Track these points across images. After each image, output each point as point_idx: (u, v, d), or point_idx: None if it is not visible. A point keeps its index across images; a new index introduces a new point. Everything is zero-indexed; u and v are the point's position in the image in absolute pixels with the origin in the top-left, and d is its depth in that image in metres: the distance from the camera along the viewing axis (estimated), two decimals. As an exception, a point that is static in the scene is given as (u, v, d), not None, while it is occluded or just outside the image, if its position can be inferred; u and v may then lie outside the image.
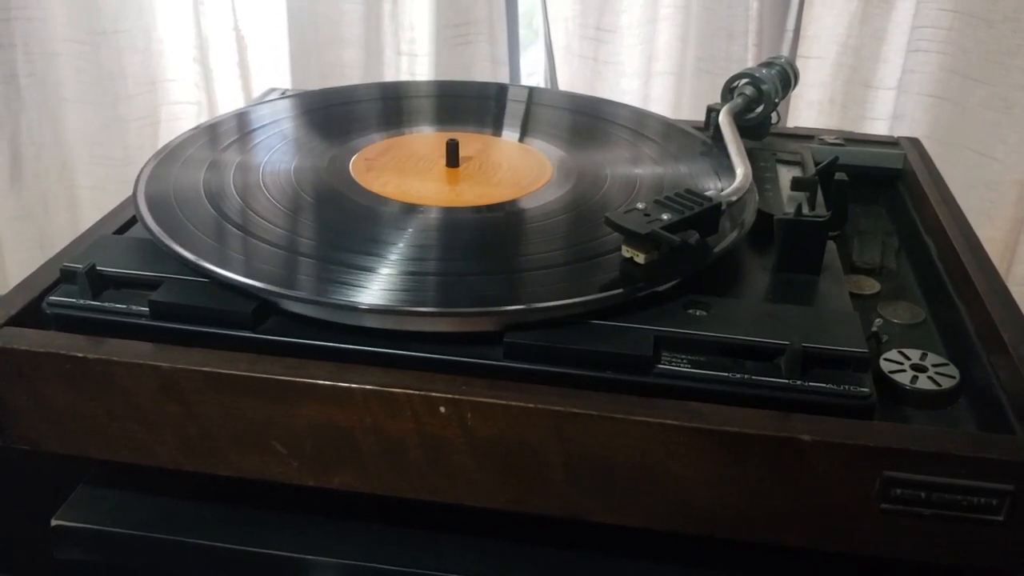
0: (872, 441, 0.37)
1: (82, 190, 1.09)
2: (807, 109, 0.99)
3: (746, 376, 0.41)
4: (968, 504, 0.38)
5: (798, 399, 0.40)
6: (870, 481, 0.38)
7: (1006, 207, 0.95)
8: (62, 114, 1.05)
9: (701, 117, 0.65)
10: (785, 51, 0.99)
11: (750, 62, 0.94)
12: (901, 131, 0.94)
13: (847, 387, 0.40)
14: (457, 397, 0.39)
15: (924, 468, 0.37)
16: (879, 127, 0.96)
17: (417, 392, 0.40)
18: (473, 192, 0.55)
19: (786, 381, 0.40)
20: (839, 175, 0.56)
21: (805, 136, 0.69)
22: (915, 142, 0.70)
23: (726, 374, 0.41)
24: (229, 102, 1.05)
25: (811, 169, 0.58)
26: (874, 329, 0.49)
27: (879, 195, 0.67)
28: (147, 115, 1.06)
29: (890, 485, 0.38)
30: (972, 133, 0.93)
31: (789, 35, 0.98)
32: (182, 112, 1.07)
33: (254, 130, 0.62)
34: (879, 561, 0.42)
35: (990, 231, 0.95)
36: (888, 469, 0.38)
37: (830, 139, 0.68)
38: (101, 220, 0.55)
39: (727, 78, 0.65)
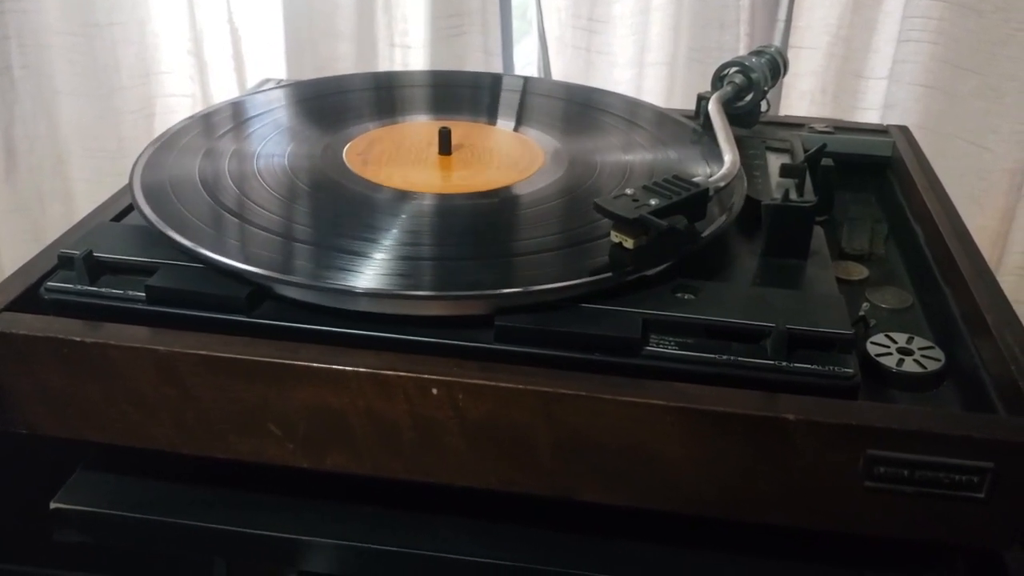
0: (855, 420, 0.38)
1: (76, 182, 1.09)
2: (799, 99, 0.99)
3: (732, 358, 0.41)
4: (950, 481, 0.38)
5: (784, 380, 0.41)
6: (854, 459, 0.39)
7: (997, 196, 0.95)
8: (56, 106, 1.05)
9: (693, 106, 0.66)
10: (777, 41, 0.99)
11: (742, 52, 0.95)
12: (892, 120, 0.94)
13: (832, 368, 0.41)
14: (449, 379, 0.40)
15: (906, 446, 0.38)
16: (871, 117, 0.96)
17: (409, 375, 0.40)
18: (465, 179, 0.55)
19: (772, 362, 0.41)
20: (825, 161, 0.57)
21: (795, 124, 0.69)
22: (904, 130, 0.70)
23: (713, 356, 0.42)
24: (223, 95, 1.05)
25: (800, 157, 0.59)
26: (862, 313, 0.49)
27: (868, 182, 0.67)
28: (141, 107, 1.06)
29: (873, 463, 0.38)
30: (963, 122, 0.94)
31: (781, 25, 0.99)
32: (176, 104, 1.07)
33: (249, 119, 0.63)
34: (866, 541, 0.43)
35: (981, 220, 0.96)
36: (871, 448, 0.38)
37: (820, 127, 0.69)
38: (97, 208, 0.55)
39: (718, 67, 0.66)
